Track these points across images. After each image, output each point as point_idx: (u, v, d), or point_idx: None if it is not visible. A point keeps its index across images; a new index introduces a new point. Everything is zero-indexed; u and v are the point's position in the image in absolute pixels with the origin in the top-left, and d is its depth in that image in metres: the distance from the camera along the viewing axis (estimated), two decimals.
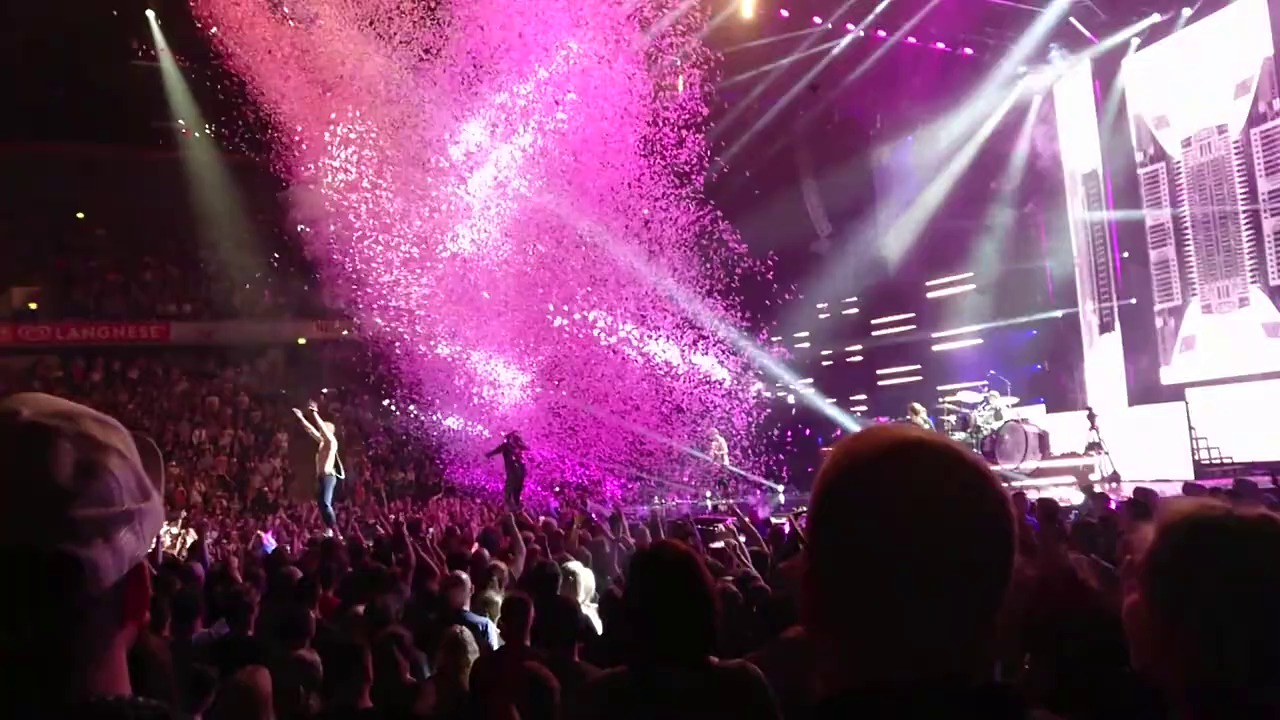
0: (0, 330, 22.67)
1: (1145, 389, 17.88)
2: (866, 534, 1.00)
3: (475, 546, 8.44)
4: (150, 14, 18.79)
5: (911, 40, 19.27)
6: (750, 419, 19.33)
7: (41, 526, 0.87)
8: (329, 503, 14.65)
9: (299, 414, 14.97)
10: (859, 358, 24.11)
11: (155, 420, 22.22)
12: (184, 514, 17.07)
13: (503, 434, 16.73)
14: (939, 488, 1.00)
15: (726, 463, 18.21)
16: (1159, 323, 17.90)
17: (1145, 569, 1.35)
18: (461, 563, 7.22)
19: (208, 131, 20.24)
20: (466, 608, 5.61)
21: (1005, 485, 1.06)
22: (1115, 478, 15.36)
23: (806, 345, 24.40)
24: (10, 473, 0.88)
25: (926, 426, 17.59)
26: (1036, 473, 16.01)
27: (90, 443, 0.93)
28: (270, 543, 12.63)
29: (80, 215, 23.05)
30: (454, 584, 5.81)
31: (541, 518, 11.74)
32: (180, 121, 20.76)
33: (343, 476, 15.35)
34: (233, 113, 17.71)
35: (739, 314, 19.42)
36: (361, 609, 5.44)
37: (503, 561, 6.78)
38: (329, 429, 14.66)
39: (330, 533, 12.89)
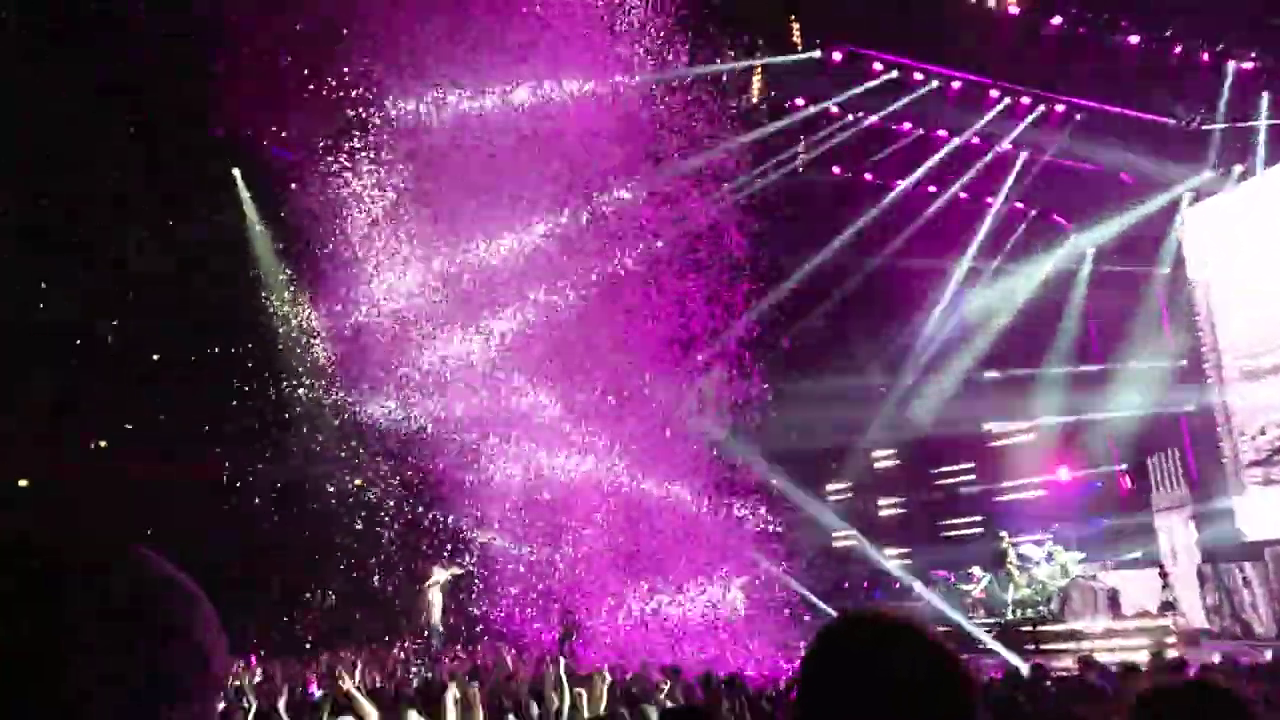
0: (69, 467, 23.41)
1: (1221, 546, 17.16)
2: (843, 710, 1.10)
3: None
4: (236, 171, 20.03)
5: (963, 195, 19.68)
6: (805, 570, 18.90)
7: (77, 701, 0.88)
8: (433, 644, 15.02)
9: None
10: (917, 508, 23.63)
11: (211, 560, 22.42)
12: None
13: (560, 623, 16.92)
14: (907, 676, 1.13)
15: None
16: (1232, 477, 17.33)
17: None
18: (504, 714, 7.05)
19: (291, 289, 21.32)
20: None
21: (972, 673, 1.21)
22: (1194, 640, 14.60)
23: (863, 494, 24.02)
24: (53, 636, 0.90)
25: (986, 586, 17.15)
26: (1107, 633, 15.26)
27: (158, 615, 0.96)
28: (316, 691, 12.46)
29: (155, 357, 23.93)
30: None
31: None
32: (262, 273, 21.79)
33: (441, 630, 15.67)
34: (309, 267, 18.77)
35: (793, 463, 19.26)
36: None
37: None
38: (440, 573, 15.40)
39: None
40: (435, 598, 15.57)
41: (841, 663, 1.17)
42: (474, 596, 19.35)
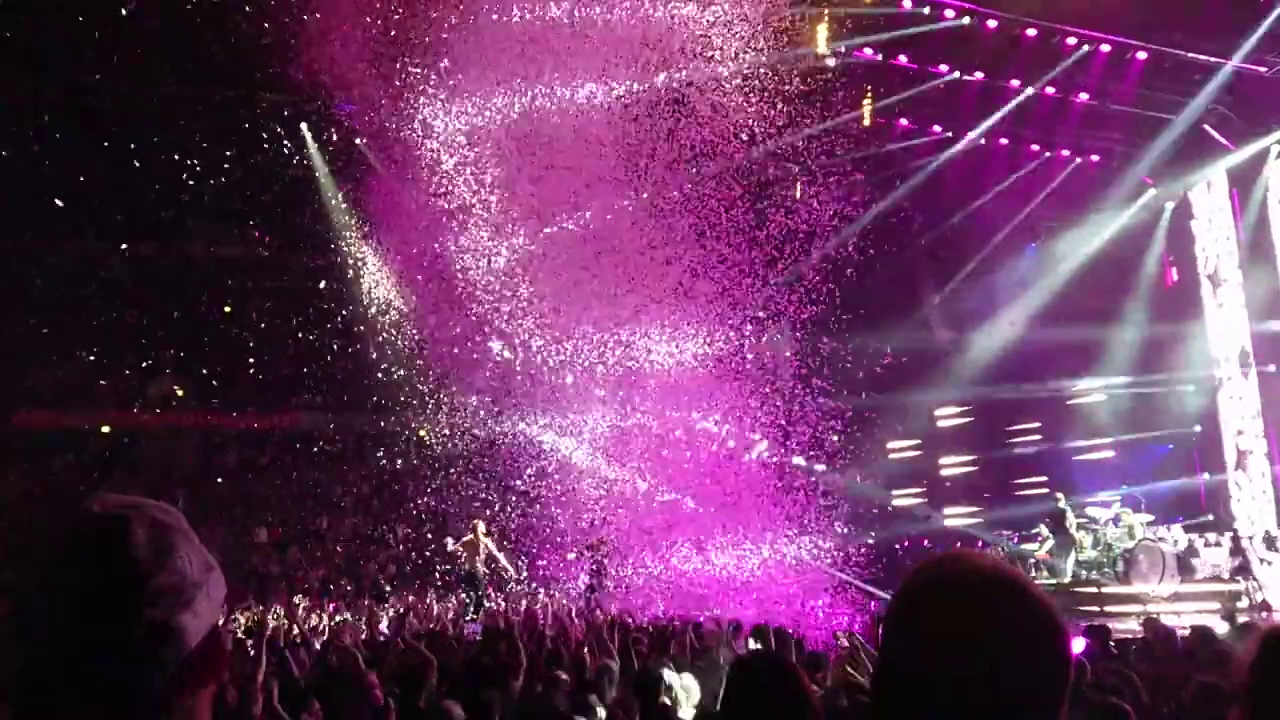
0: (147, 416, 24.21)
1: None
2: (924, 662, 1.05)
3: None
4: (304, 125, 20.23)
5: (1035, 147, 19.08)
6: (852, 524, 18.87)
7: (128, 598, 1.00)
8: (477, 597, 15.47)
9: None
10: (979, 467, 23.32)
11: (282, 506, 23.13)
12: (304, 600, 17.50)
13: (588, 544, 17.10)
14: (998, 623, 1.07)
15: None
16: None
17: (1243, 683, 1.44)
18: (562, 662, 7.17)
19: (359, 238, 21.62)
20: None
21: (1063, 619, 1.11)
22: (1265, 606, 14.24)
23: (920, 453, 23.78)
24: (96, 555, 1.01)
25: (1050, 546, 16.88)
26: (1175, 597, 14.96)
27: (159, 526, 1.07)
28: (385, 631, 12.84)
29: (228, 309, 24.45)
30: (553, 684, 5.77)
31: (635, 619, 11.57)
32: (332, 225, 22.06)
33: (479, 573, 15.99)
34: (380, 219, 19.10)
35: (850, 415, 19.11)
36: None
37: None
38: (479, 528, 15.75)
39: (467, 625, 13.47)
40: (480, 549, 15.92)
41: (933, 613, 1.10)
42: (527, 546, 19.67)
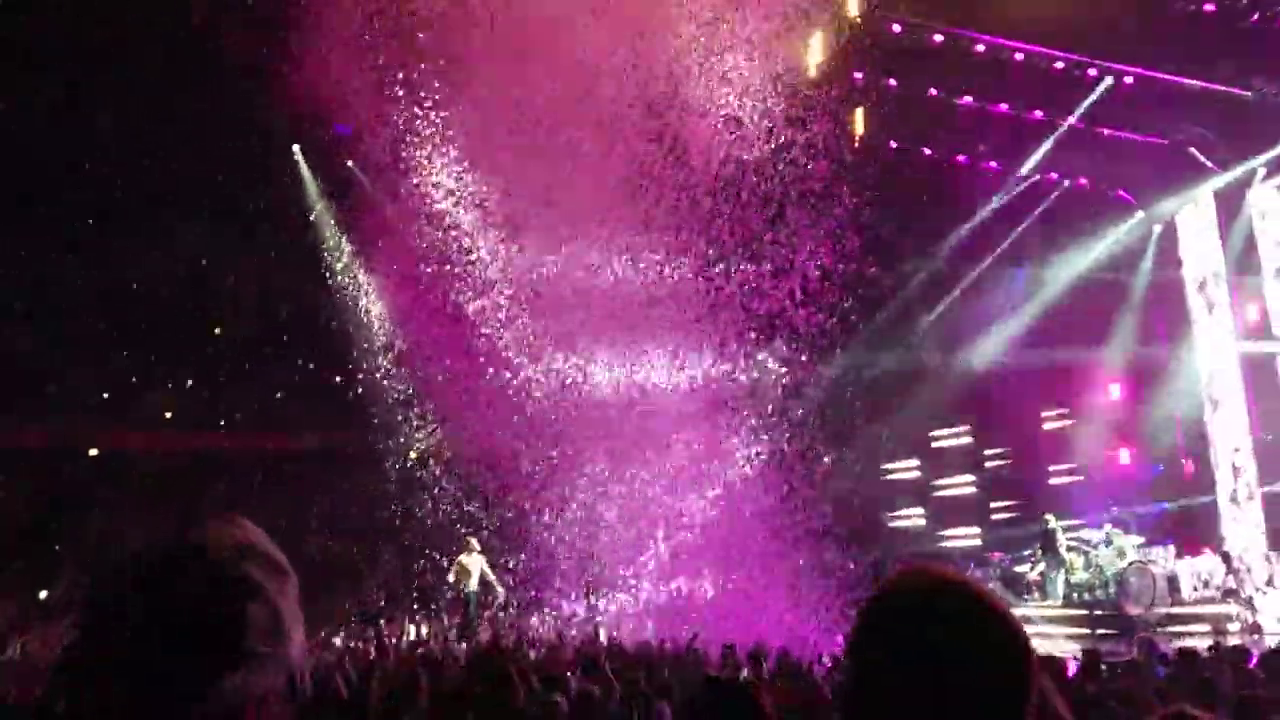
0: (135, 437, 24.10)
1: None
2: (890, 667, 1.06)
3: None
4: (295, 147, 20.32)
5: (1024, 170, 19.21)
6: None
7: (222, 646, 1.02)
8: (471, 617, 15.78)
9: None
10: (971, 489, 23.32)
11: (268, 526, 22.99)
12: None
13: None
14: (957, 631, 1.08)
15: None
16: None
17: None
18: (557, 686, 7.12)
19: (351, 256, 21.66)
20: None
21: (1024, 631, 1.12)
22: (1256, 629, 14.23)
23: (918, 474, 23.79)
24: (206, 605, 1.05)
25: (1042, 568, 16.88)
26: (1166, 619, 14.96)
27: (241, 586, 1.09)
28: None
29: (217, 331, 24.40)
30: (544, 708, 5.73)
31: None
32: (326, 244, 22.09)
33: (469, 591, 15.99)
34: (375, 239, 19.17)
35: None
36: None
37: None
38: (474, 546, 15.80)
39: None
40: (474, 569, 15.97)
41: (886, 627, 1.12)
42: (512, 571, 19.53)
